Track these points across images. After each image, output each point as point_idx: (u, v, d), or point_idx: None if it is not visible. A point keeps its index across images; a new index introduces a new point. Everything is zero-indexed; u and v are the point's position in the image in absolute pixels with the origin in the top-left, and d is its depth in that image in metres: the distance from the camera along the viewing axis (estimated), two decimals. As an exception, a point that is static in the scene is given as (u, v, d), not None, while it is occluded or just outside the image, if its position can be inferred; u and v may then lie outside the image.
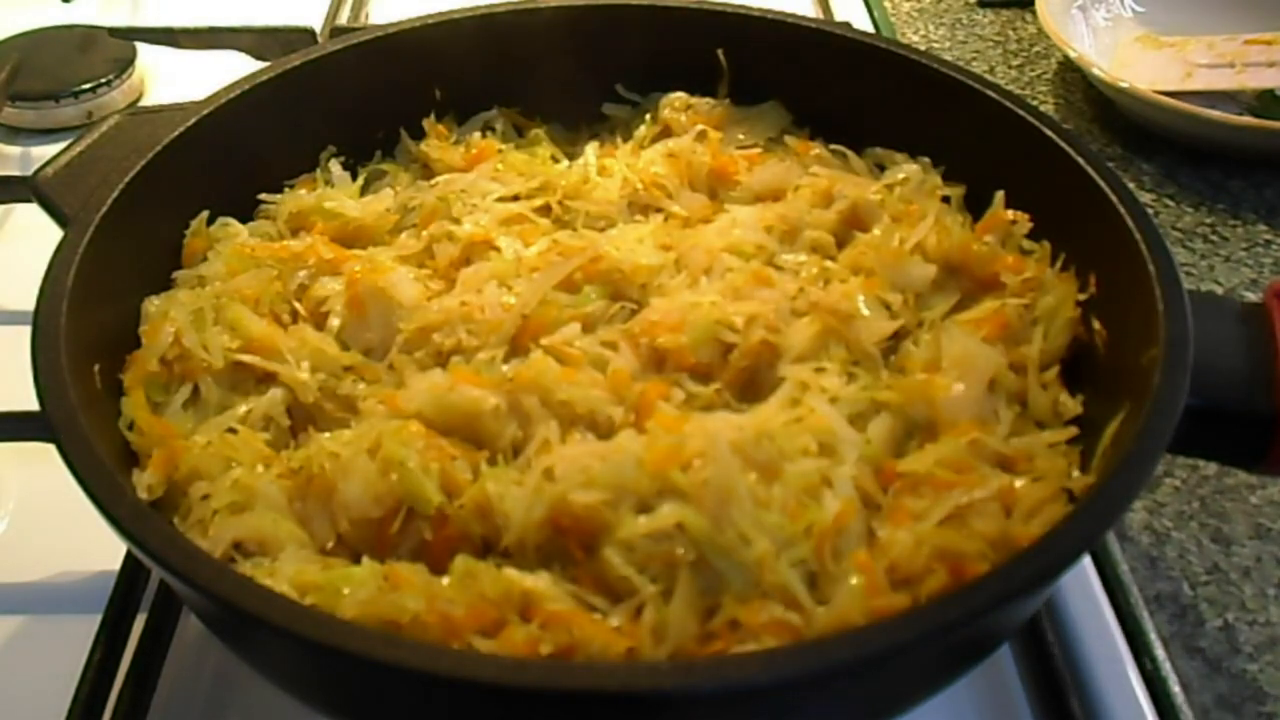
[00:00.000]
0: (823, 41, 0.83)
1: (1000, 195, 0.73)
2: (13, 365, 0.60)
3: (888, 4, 1.36)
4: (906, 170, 0.78)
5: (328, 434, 0.63)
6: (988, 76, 0.95)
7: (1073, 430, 0.62)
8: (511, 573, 0.54)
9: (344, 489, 0.59)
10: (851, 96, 0.81)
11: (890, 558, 0.55)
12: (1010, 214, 0.72)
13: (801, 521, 0.55)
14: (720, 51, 0.84)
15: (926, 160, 0.78)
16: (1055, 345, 0.66)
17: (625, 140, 0.84)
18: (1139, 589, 0.72)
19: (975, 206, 0.76)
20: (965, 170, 0.77)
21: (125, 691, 0.63)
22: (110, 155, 0.71)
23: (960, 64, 0.81)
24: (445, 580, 0.55)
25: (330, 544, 0.59)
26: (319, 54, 0.80)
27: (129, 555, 0.70)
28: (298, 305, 0.70)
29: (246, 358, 0.66)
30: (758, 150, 0.82)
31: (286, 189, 0.79)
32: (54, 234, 0.66)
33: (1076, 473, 0.60)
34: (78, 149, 0.73)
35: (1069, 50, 1.12)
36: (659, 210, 0.77)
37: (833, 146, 0.82)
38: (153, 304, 0.69)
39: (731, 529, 0.54)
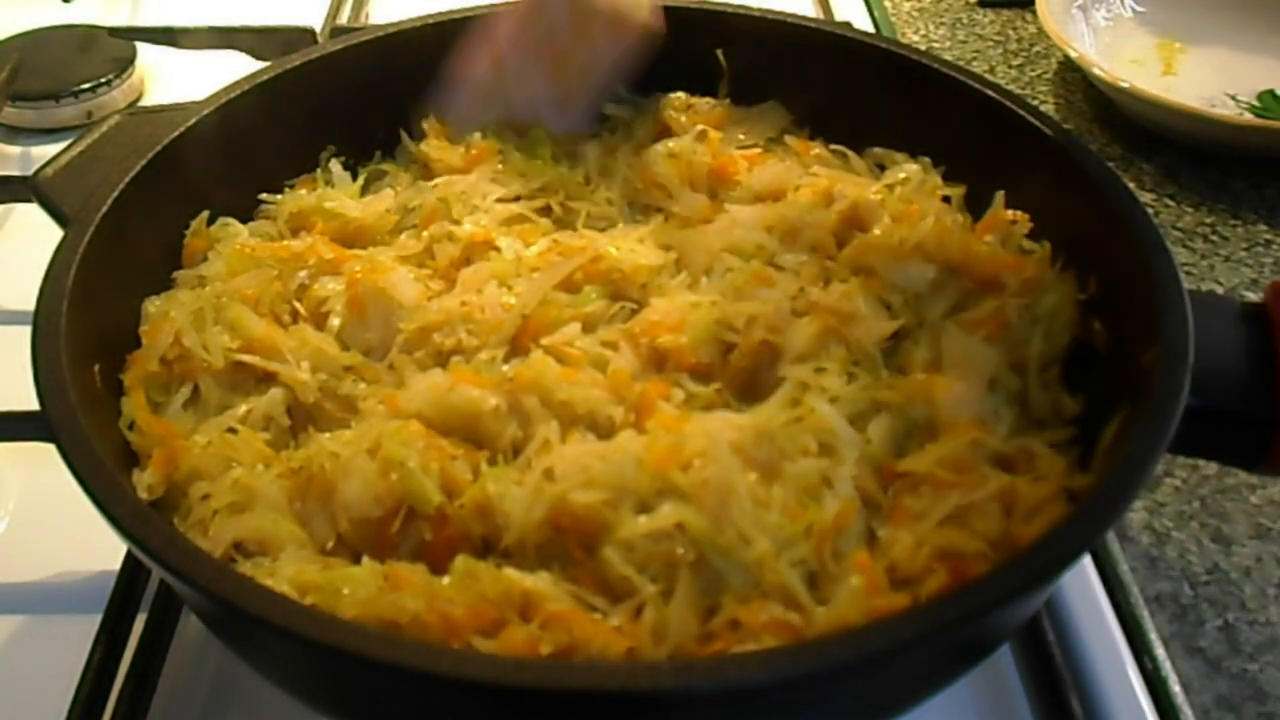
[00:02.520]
0: (823, 41, 0.83)
1: (1000, 195, 0.73)
2: (13, 365, 0.60)
3: (888, 4, 1.36)
4: (906, 170, 0.78)
5: (328, 434, 0.63)
6: (988, 76, 0.95)
7: (1072, 430, 0.62)
8: (511, 573, 0.54)
9: (344, 489, 0.58)
10: (851, 96, 0.81)
11: (890, 557, 0.55)
12: (1010, 214, 0.72)
13: (801, 522, 0.55)
14: (720, 51, 0.84)
15: (926, 160, 0.78)
16: (1055, 345, 0.66)
17: (626, 140, 0.84)
18: (1139, 589, 0.72)
19: (975, 206, 0.75)
20: (965, 170, 0.77)
21: (125, 691, 0.63)
22: (110, 155, 0.71)
23: (960, 64, 0.81)
24: (445, 580, 0.55)
25: (330, 544, 0.59)
26: (319, 54, 0.80)
27: (129, 555, 0.70)
28: (298, 305, 0.70)
29: (247, 358, 0.66)
30: (758, 150, 0.82)
31: (286, 189, 0.79)
32: (54, 234, 0.66)
33: (1077, 473, 0.60)
34: (78, 149, 0.73)
35: (1069, 50, 1.12)
36: (659, 210, 0.78)
37: (833, 147, 0.81)
38: (153, 304, 0.69)
39: (731, 529, 0.54)
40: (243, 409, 0.65)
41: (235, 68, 0.97)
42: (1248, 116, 1.10)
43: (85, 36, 1.19)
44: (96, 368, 0.62)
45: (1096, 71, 1.09)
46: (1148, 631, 0.69)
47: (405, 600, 0.52)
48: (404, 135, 0.84)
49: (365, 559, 0.56)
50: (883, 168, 0.80)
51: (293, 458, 0.62)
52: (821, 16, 1.24)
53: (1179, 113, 1.05)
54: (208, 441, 0.62)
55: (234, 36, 1.11)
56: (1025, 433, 0.63)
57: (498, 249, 0.73)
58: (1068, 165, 0.69)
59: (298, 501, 0.60)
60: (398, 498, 0.58)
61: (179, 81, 1.19)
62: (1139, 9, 1.25)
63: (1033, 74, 1.25)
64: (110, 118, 0.75)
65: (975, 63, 1.26)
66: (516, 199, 0.77)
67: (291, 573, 0.55)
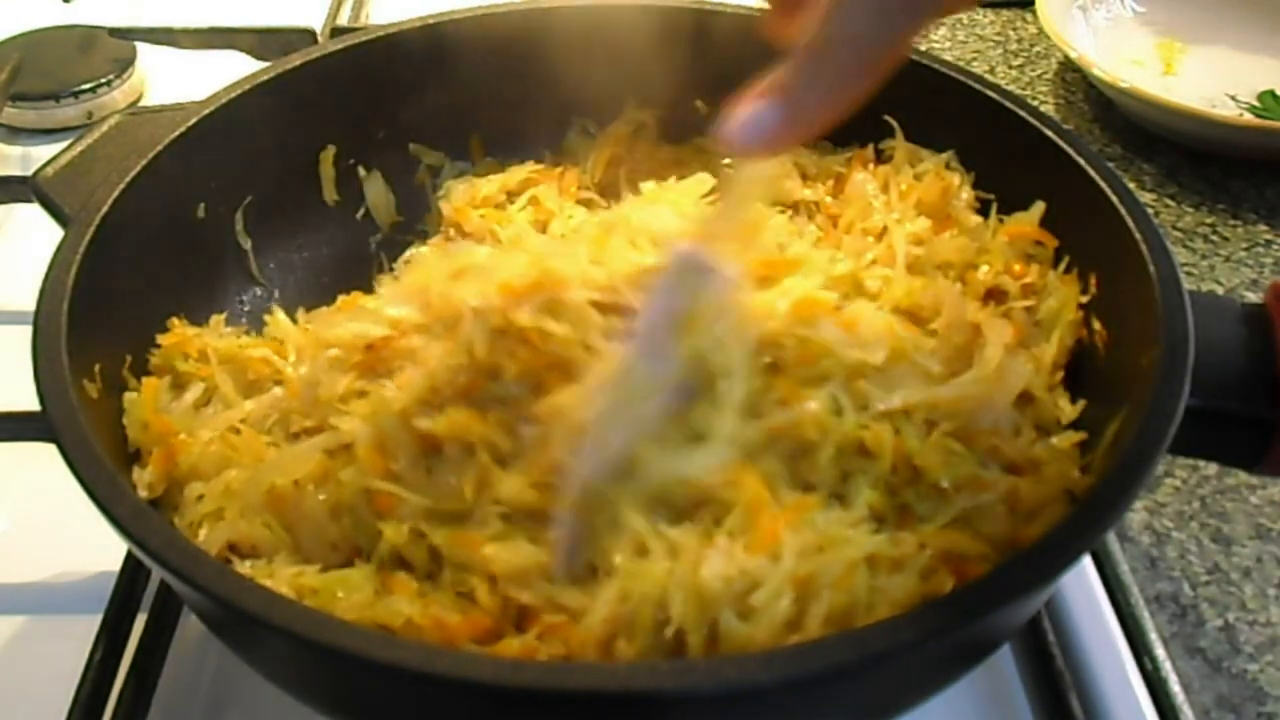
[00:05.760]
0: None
1: (1040, 205, 0.72)
2: (13, 365, 0.60)
3: (888, 4, 1.35)
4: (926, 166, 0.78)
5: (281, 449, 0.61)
6: (988, 76, 0.95)
7: (1081, 435, 0.61)
8: (509, 585, 0.54)
9: (299, 538, 0.58)
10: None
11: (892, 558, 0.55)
12: (1037, 232, 0.71)
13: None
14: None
15: (943, 156, 0.78)
16: (1060, 349, 0.66)
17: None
18: (1139, 589, 0.72)
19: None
20: (965, 170, 0.77)
21: (125, 691, 0.63)
22: (111, 155, 0.71)
23: (960, 64, 0.81)
24: (441, 584, 0.55)
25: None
26: (319, 54, 0.80)
27: (129, 555, 0.70)
28: None
29: (257, 352, 0.66)
30: None
31: None
32: (54, 234, 0.66)
33: (1077, 474, 0.60)
34: (78, 149, 0.73)
35: (1069, 50, 1.11)
36: None
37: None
38: None
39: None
40: (248, 405, 0.64)
41: (235, 68, 0.97)
42: (1248, 116, 1.10)
43: (85, 36, 1.19)
44: (97, 367, 0.62)
45: (1096, 71, 1.09)
46: (1148, 631, 0.69)
47: (400, 605, 0.52)
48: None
49: (358, 563, 0.56)
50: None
51: (260, 480, 0.60)
52: (821, 16, 1.24)
53: (1179, 113, 1.05)
54: (209, 439, 0.62)
55: (234, 36, 1.11)
56: (1033, 439, 0.63)
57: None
58: (1068, 165, 0.69)
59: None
60: (354, 544, 0.58)
61: (179, 81, 1.19)
62: (1139, 9, 1.24)
63: (1033, 74, 1.25)
64: (110, 118, 0.75)
65: (975, 63, 1.26)
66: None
67: (289, 574, 0.55)
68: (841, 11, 0.45)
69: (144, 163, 0.69)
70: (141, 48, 1.18)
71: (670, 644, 0.51)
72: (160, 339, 0.68)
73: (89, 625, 0.66)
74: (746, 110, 0.48)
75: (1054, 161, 0.70)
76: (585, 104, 0.87)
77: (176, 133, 0.72)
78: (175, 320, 0.69)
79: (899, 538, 0.55)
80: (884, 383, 0.59)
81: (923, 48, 1.23)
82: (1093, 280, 0.67)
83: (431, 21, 0.83)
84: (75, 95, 1.12)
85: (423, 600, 0.53)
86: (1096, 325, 0.66)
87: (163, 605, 0.68)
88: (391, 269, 0.83)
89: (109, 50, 1.17)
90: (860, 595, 0.52)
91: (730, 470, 0.55)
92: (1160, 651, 0.68)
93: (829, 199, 0.78)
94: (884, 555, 0.54)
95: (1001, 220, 0.73)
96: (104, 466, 0.53)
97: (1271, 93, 1.13)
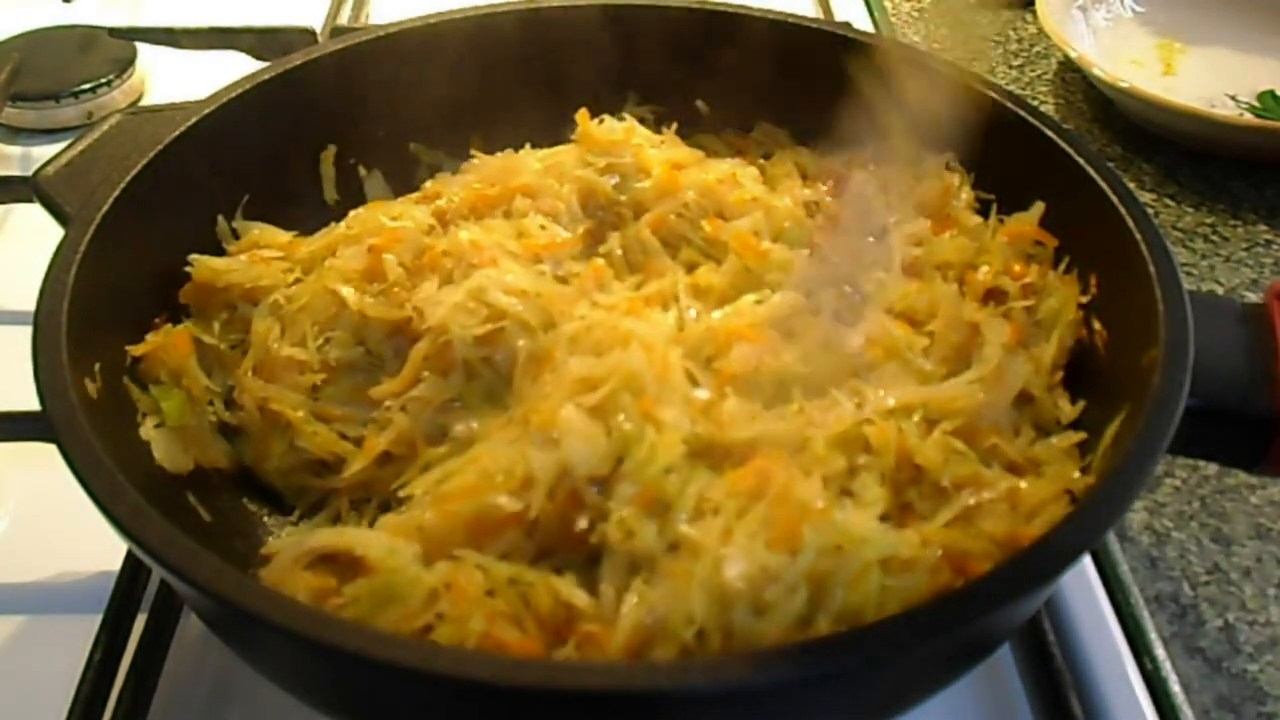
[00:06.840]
0: (823, 41, 0.83)
1: (1040, 206, 0.72)
2: (13, 365, 0.60)
3: (888, 4, 1.36)
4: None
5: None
6: (988, 76, 0.95)
7: (1080, 435, 0.62)
8: (559, 583, 0.54)
9: None
10: (848, 97, 0.81)
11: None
12: (1037, 232, 0.71)
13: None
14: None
15: (943, 157, 0.78)
16: (1060, 349, 0.66)
17: None
18: (1139, 589, 0.72)
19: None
20: (965, 170, 0.77)
21: (125, 691, 0.63)
22: (111, 154, 0.71)
23: (960, 64, 0.81)
24: (498, 588, 0.54)
25: None
26: (319, 54, 0.80)
27: (129, 555, 0.70)
28: None
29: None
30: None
31: None
32: (54, 234, 0.66)
33: (1077, 474, 0.60)
34: (79, 148, 0.73)
35: (1069, 50, 1.12)
36: None
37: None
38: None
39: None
40: None
41: (235, 68, 0.97)
42: (1248, 116, 1.10)
43: (85, 36, 1.19)
44: (97, 367, 0.62)
45: (1096, 71, 1.09)
46: (1148, 631, 0.69)
47: (474, 622, 0.52)
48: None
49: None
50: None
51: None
52: (822, 16, 1.24)
53: (1179, 113, 1.05)
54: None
55: (234, 36, 1.11)
56: (1033, 439, 0.63)
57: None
58: (1068, 165, 0.69)
59: None
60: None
61: (179, 81, 1.19)
62: (1139, 9, 1.25)
63: (1033, 74, 1.25)
64: (110, 117, 0.75)
65: (975, 63, 1.26)
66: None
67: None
68: None
69: (144, 162, 0.69)
70: (141, 48, 1.18)
71: (694, 644, 0.51)
72: (149, 338, 0.68)
73: (89, 625, 0.66)
74: None
75: (1054, 161, 0.70)
76: (585, 103, 0.86)
77: (176, 133, 0.72)
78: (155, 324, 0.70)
79: (910, 537, 0.55)
80: (877, 381, 0.60)
81: (923, 48, 1.24)
82: (1093, 280, 0.67)
83: (432, 21, 0.83)
84: (75, 95, 1.12)
85: (486, 613, 0.52)
86: (1096, 325, 0.66)
87: (163, 605, 0.68)
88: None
89: (109, 50, 1.17)
90: (872, 594, 0.52)
91: (764, 461, 0.56)
92: (1160, 651, 0.68)
93: (829, 199, 0.78)
94: (898, 555, 0.54)
95: (1001, 220, 0.74)
96: (104, 466, 0.53)
97: (1271, 93, 1.13)
